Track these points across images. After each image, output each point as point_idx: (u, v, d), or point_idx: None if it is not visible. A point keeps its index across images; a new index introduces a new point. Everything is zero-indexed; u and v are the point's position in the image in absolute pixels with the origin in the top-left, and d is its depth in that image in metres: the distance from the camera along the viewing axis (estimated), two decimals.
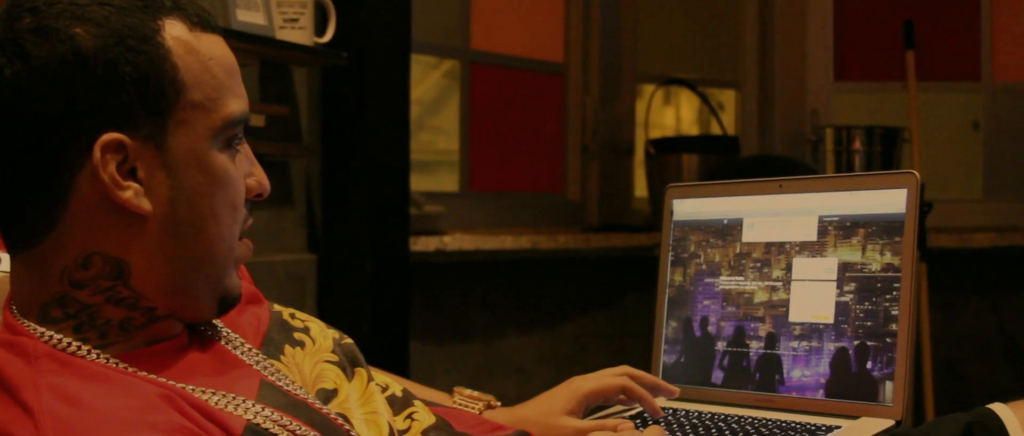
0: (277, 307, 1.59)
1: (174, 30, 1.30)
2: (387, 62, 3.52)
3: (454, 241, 3.89)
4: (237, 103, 1.34)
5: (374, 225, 3.47)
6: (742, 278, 1.97)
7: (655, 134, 4.91)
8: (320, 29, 3.25)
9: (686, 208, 2.08)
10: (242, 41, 3.00)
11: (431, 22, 4.21)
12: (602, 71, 4.75)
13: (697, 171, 4.54)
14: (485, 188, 4.45)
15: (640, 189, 4.86)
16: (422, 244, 3.77)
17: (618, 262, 4.51)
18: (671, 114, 5.43)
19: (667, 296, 2.07)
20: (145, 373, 1.29)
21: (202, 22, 1.33)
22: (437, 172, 4.54)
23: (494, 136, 4.50)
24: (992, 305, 4.99)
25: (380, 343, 3.42)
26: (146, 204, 1.28)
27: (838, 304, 1.85)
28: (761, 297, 1.94)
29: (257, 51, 3.13)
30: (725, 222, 2.02)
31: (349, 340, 1.61)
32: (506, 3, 4.59)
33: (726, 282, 2.00)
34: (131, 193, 1.27)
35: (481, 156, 4.43)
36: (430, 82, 4.54)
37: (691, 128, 5.41)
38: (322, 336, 1.58)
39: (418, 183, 3.98)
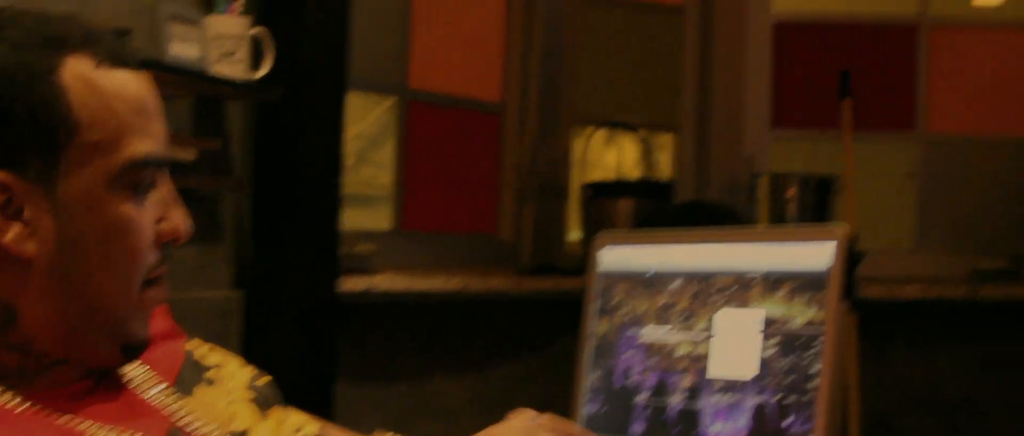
0: (193, 343, 1.56)
1: (77, 67, 1.25)
2: (323, 99, 3.50)
3: (384, 281, 3.86)
4: (145, 144, 1.28)
5: (303, 263, 3.44)
6: (666, 330, 1.96)
7: (592, 177, 4.90)
8: (258, 63, 3.22)
9: (613, 257, 2.07)
10: (175, 75, 2.97)
11: (370, 59, 4.19)
12: (540, 112, 4.74)
13: (632, 215, 4.53)
14: (419, 227, 4.42)
15: (575, 232, 4.85)
16: (352, 284, 3.74)
17: (550, 305, 4.49)
18: (609, 157, 5.42)
19: (591, 346, 2.05)
20: (45, 415, 1.26)
21: (114, 58, 1.28)
22: (379, 207, 4.51)
23: (429, 175, 4.48)
24: (922, 357, 5.00)
25: (305, 384, 3.38)
26: (29, 247, 1.23)
27: (761, 359, 1.84)
28: (684, 350, 1.92)
29: (191, 85, 3.10)
30: (651, 273, 2.01)
31: (266, 379, 1.58)
32: (445, 42, 4.58)
33: (650, 333, 1.98)
34: (12, 235, 1.23)
35: (415, 195, 4.41)
36: (376, 115, 4.51)
37: (629, 171, 5.41)
38: (237, 374, 1.55)
39: (358, 218, 3.96)
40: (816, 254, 1.83)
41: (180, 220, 1.35)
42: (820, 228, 1.87)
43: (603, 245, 2.08)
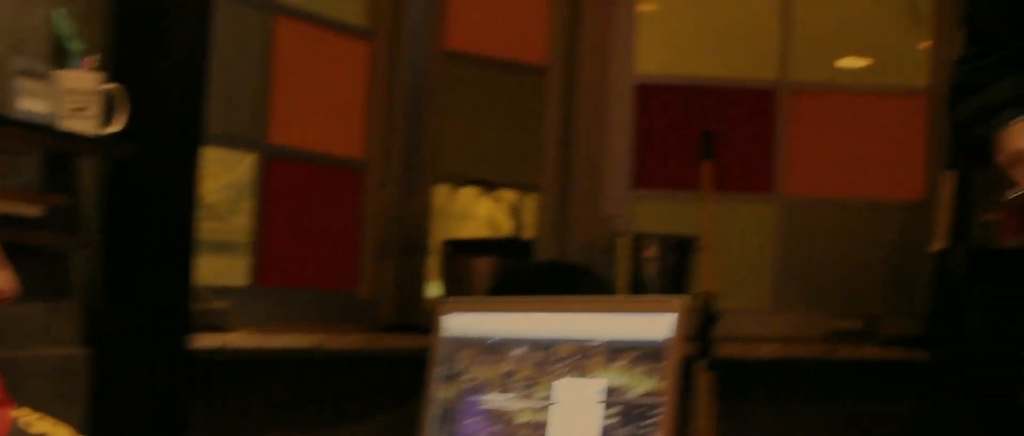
0: (21, 411, 1.53)
1: None
2: (177, 154, 3.46)
3: (239, 338, 3.81)
4: None
5: (154, 320, 3.39)
6: (508, 397, 1.95)
7: (453, 234, 4.90)
8: (111, 119, 3.18)
9: (457, 323, 2.06)
10: (23, 129, 2.92)
11: (229, 114, 4.15)
12: (402, 168, 4.73)
13: (492, 273, 4.54)
14: (277, 283, 4.38)
15: (435, 289, 4.84)
16: (205, 341, 3.69)
17: (407, 364, 4.43)
18: (470, 214, 5.43)
19: (435, 411, 2.04)
20: None
21: None
22: (242, 256, 4.45)
23: (289, 230, 4.45)
24: (780, 416, 5.05)
25: None
26: None
27: (601, 428, 1.84)
28: (525, 417, 1.92)
29: (39, 140, 3.05)
30: (495, 340, 2.00)
31: None
32: (307, 97, 4.56)
33: (493, 400, 1.97)
34: None
35: (274, 250, 4.37)
36: (245, 166, 4.48)
37: (490, 229, 5.42)
38: None
39: (217, 268, 3.91)
40: (657, 325, 1.84)
41: (4, 281, 1.32)
42: (661, 299, 1.87)
43: (448, 311, 2.08)
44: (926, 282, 5.17)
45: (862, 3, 5.79)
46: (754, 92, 5.45)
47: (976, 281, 4.71)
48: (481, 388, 2.00)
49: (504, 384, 1.97)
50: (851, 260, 5.41)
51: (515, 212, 5.15)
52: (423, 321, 4.62)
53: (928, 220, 5.06)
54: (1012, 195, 1.61)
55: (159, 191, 3.39)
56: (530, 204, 5.34)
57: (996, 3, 1.82)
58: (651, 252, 4.75)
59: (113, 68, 3.26)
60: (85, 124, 3.12)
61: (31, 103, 2.99)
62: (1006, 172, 1.62)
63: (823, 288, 5.36)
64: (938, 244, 4.85)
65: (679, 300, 1.84)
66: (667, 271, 4.77)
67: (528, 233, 5.11)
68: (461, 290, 4.56)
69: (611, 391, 1.85)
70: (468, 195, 5.28)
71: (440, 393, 2.04)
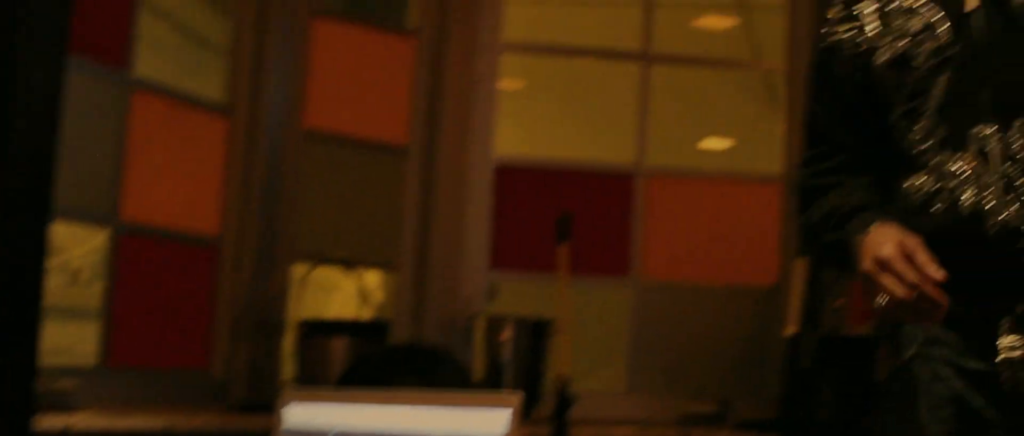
0: None
1: None
2: (24, 233, 3.39)
3: (85, 419, 3.74)
4: None
5: None
6: None
7: (314, 313, 4.87)
8: None
9: (298, 415, 2.04)
10: None
11: (80, 188, 4.10)
12: (258, 247, 4.70)
13: (346, 354, 4.51)
14: (127, 361, 4.31)
15: (290, 369, 4.80)
16: (49, 422, 3.61)
17: None
18: (331, 293, 5.40)
19: None
20: None
21: None
22: (94, 328, 4.38)
23: (140, 308, 4.39)
24: None
25: None
26: None
27: None
28: None
29: None
30: (334, 432, 1.99)
31: None
32: (162, 173, 4.52)
33: None
34: None
35: (125, 328, 4.31)
36: (98, 241, 4.42)
37: (347, 309, 5.39)
38: None
39: (70, 339, 3.84)
40: (492, 420, 1.84)
41: None
42: (496, 395, 1.88)
43: (288, 402, 2.06)
44: (778, 367, 5.22)
45: (724, 86, 5.89)
46: (613, 175, 5.50)
47: (826, 366, 4.78)
48: None
49: None
50: (705, 344, 5.46)
51: (373, 292, 5.13)
52: (277, 401, 4.58)
53: (781, 305, 5.12)
54: (880, 301, 1.63)
55: (4, 269, 3.32)
56: (388, 283, 5.33)
57: (832, 107, 1.85)
58: (507, 334, 4.76)
59: None
60: None
61: None
62: (870, 280, 1.65)
63: (677, 371, 5.40)
64: (790, 329, 4.91)
65: (514, 396, 1.85)
66: (522, 354, 4.77)
67: (386, 313, 5.09)
68: (316, 371, 4.52)
69: None
70: (327, 274, 5.25)
71: None
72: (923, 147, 1.74)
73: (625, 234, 5.41)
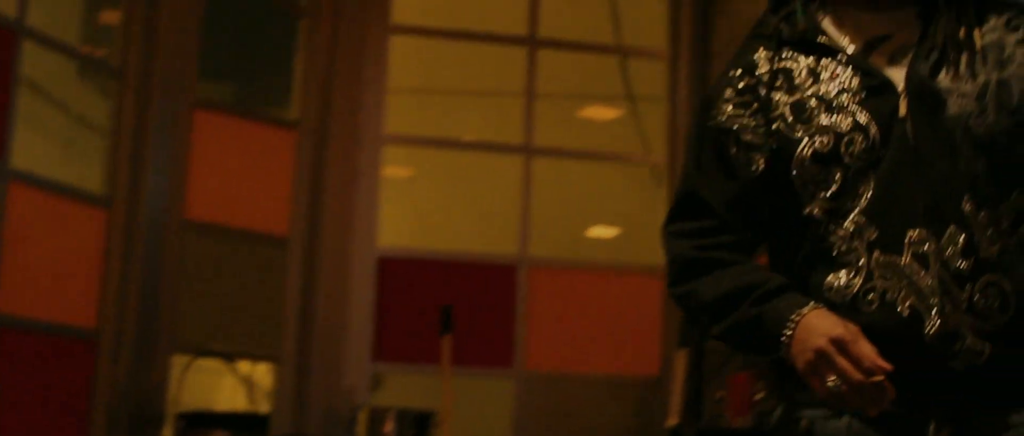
0: None
1: None
2: None
3: None
4: None
5: None
6: None
7: (197, 405, 4.81)
8: None
9: None
10: None
11: None
12: (136, 339, 4.64)
13: None
14: None
15: None
16: None
17: None
18: (208, 387, 5.34)
19: None
20: None
21: None
22: None
23: (15, 404, 4.30)
24: None
25: None
26: None
27: None
28: None
29: None
30: None
31: None
32: (39, 265, 4.45)
33: None
34: None
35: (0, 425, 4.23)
36: None
37: (227, 402, 5.34)
38: None
39: None
40: None
41: None
42: None
43: None
44: None
45: (609, 175, 5.94)
46: (496, 266, 5.51)
47: None
48: None
49: None
50: (588, 434, 5.46)
51: (254, 384, 5.08)
52: None
53: (664, 396, 5.14)
54: (833, 383, 1.63)
55: None
56: (270, 375, 5.28)
57: (724, 188, 1.82)
58: (389, 427, 4.73)
59: None
60: None
61: None
62: (822, 360, 1.64)
63: None
64: (672, 420, 4.93)
65: None
66: None
67: (265, 406, 5.04)
68: None
69: None
70: (208, 366, 5.19)
71: None
72: (849, 246, 1.74)
73: (508, 325, 5.41)
